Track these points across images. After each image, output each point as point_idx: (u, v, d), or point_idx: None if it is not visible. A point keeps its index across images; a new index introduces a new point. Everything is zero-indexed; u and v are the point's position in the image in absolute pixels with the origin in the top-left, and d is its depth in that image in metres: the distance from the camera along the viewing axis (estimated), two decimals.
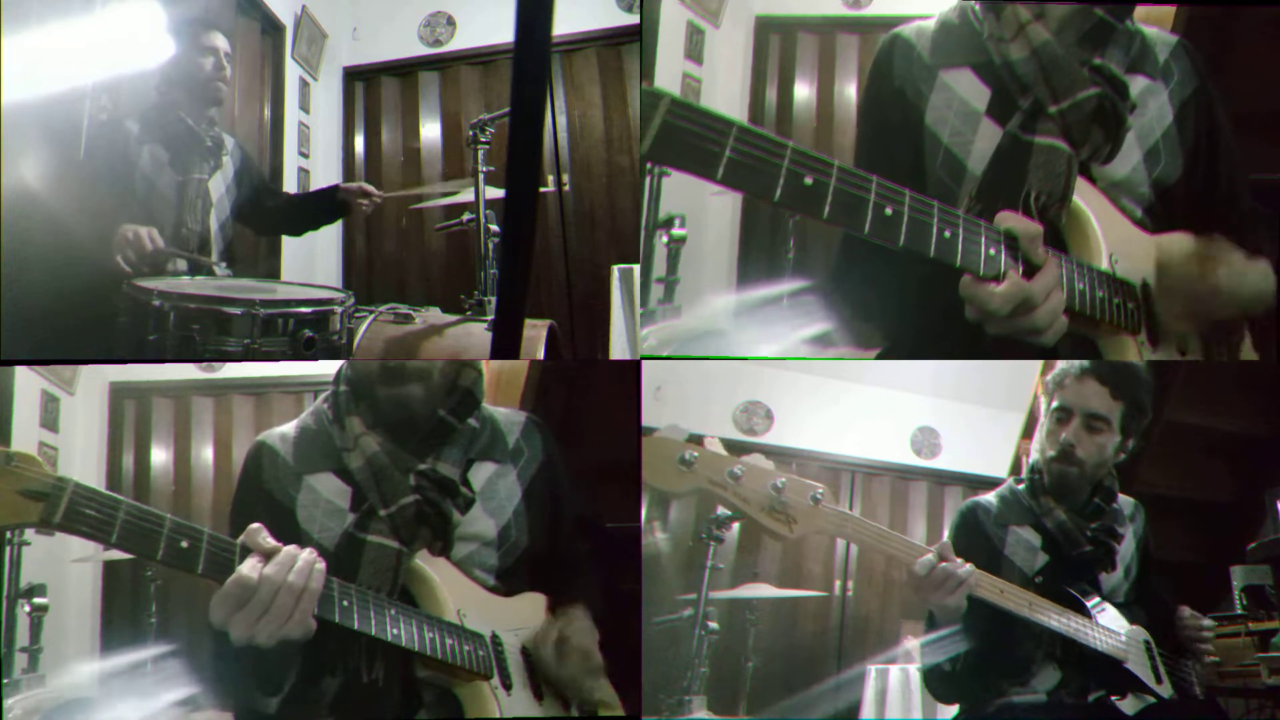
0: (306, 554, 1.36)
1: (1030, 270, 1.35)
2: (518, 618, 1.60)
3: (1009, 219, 1.37)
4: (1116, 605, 1.78)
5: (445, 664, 1.47)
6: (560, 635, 1.57)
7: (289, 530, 1.51)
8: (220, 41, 2.28)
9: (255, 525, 1.37)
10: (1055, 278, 1.38)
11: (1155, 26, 1.69)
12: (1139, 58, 1.61)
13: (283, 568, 1.33)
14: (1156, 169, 1.60)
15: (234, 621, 1.30)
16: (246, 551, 1.34)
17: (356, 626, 1.40)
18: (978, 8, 1.58)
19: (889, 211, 1.25)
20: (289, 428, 1.62)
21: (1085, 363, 1.76)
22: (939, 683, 1.77)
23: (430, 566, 1.53)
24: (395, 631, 1.43)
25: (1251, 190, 1.73)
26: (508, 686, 1.52)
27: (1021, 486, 1.85)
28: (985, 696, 1.74)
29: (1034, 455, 1.86)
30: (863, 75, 3.07)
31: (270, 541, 1.36)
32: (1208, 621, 1.88)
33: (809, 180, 1.20)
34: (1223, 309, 1.56)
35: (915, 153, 1.60)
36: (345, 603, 1.40)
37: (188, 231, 2.21)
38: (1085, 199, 1.52)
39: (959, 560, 1.58)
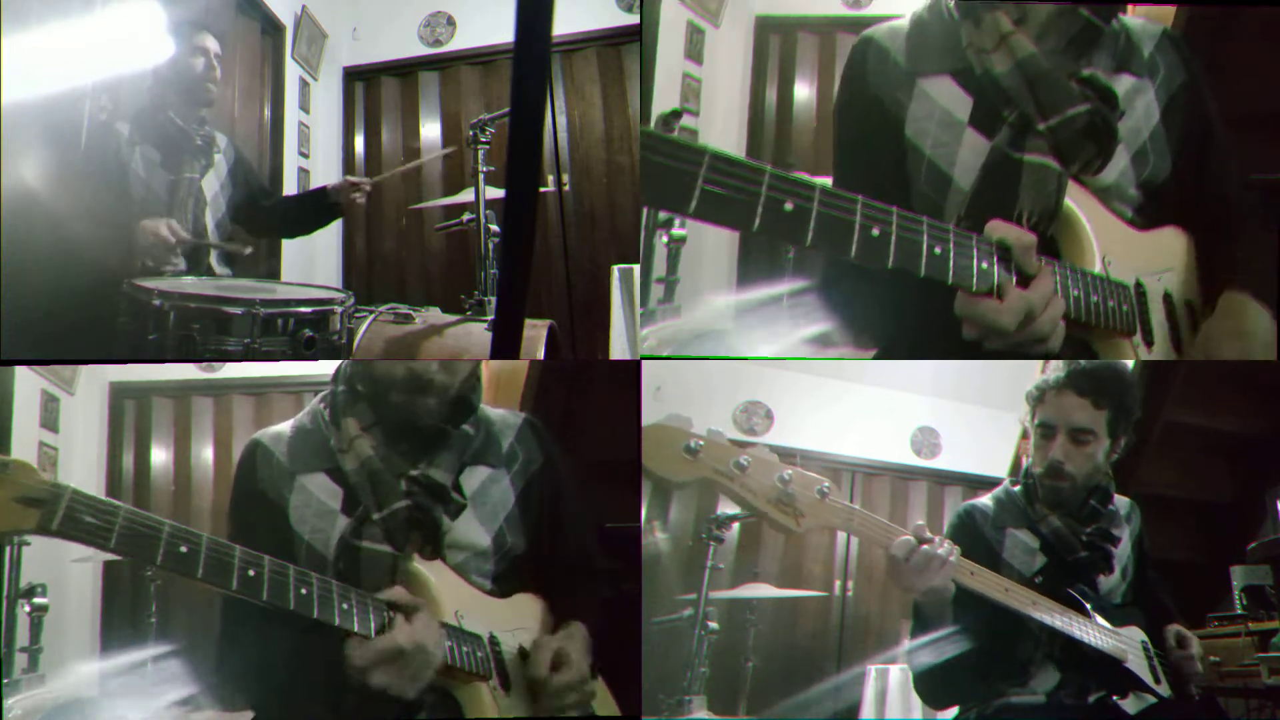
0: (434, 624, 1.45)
1: (1024, 280, 1.33)
2: (515, 619, 1.60)
3: (1001, 229, 1.34)
4: (1114, 606, 1.78)
5: (444, 666, 1.47)
6: (560, 650, 1.57)
7: (281, 530, 1.52)
8: (210, 43, 2.28)
9: (397, 588, 1.46)
10: (1052, 285, 1.36)
11: (1141, 17, 1.64)
12: (1125, 56, 1.56)
13: (429, 632, 1.43)
14: (1145, 171, 1.56)
15: (375, 674, 1.39)
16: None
17: (356, 629, 1.40)
18: (952, 6, 1.53)
19: (876, 233, 1.21)
20: (285, 427, 1.62)
21: (1063, 373, 1.73)
22: (932, 686, 1.73)
23: (428, 569, 1.52)
24: None
25: (1251, 190, 1.72)
26: (506, 687, 1.52)
27: (1017, 489, 1.83)
28: (984, 697, 1.74)
29: (1027, 462, 1.85)
30: None
31: (409, 598, 1.44)
32: (1195, 650, 1.84)
33: (789, 206, 1.15)
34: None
35: (897, 165, 1.55)
36: (345, 606, 1.40)
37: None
38: (1076, 201, 1.49)
39: (938, 539, 1.53)
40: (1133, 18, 1.62)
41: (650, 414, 2.02)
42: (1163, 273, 1.57)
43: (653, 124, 2.53)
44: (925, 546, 1.52)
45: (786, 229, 1.15)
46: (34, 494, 1.22)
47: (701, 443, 1.38)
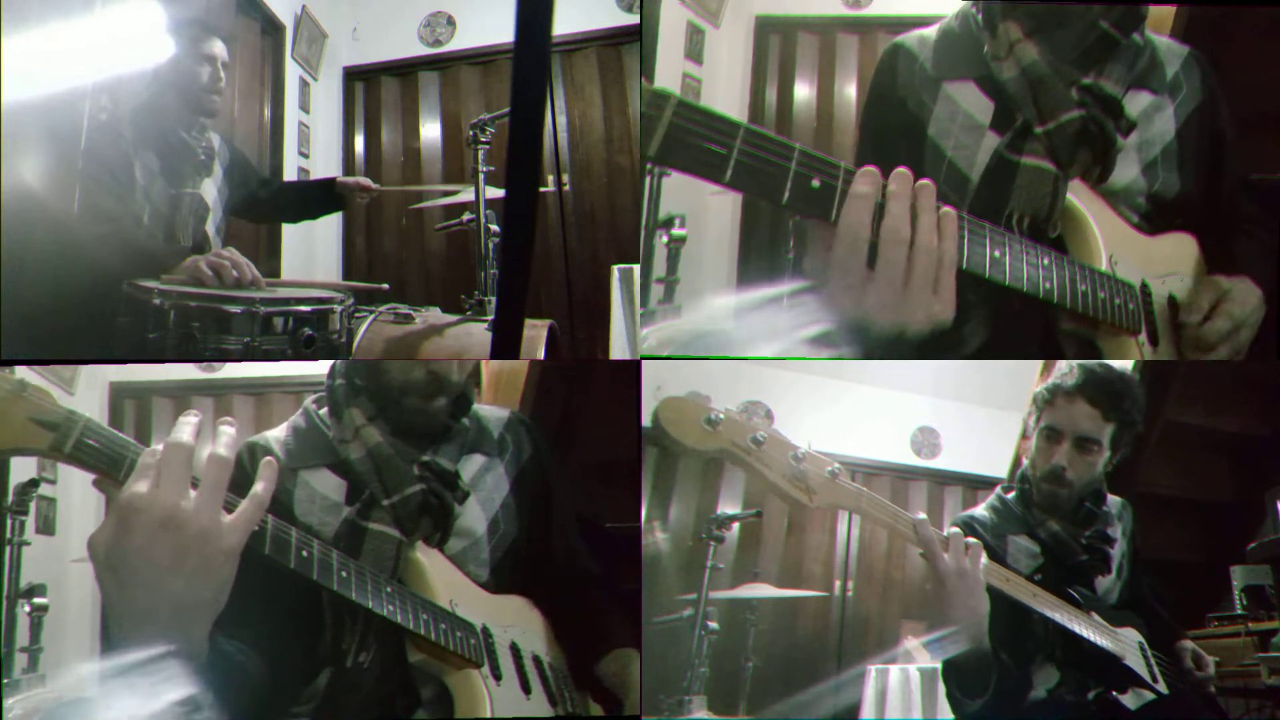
0: None
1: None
2: (509, 615, 1.61)
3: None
4: (1109, 608, 1.78)
5: (438, 646, 1.47)
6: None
7: None
8: (219, 49, 2.24)
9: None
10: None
11: (1166, 36, 1.68)
12: (1146, 72, 1.59)
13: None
14: (1155, 183, 1.59)
15: None
16: None
17: (354, 597, 1.40)
18: (979, 17, 1.57)
19: None
20: (279, 430, 1.63)
21: (1076, 380, 1.74)
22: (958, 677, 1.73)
23: (424, 557, 1.53)
24: (390, 608, 1.43)
25: (1252, 190, 1.73)
26: (498, 677, 1.53)
27: (1011, 495, 1.84)
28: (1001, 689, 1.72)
29: (1025, 464, 1.85)
30: (863, 75, 3.07)
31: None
32: (1211, 669, 1.85)
33: (816, 183, 1.21)
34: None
35: (917, 165, 1.58)
36: (344, 574, 1.40)
37: (180, 246, 2.19)
38: (1083, 202, 1.51)
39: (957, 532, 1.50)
40: (1160, 36, 1.65)
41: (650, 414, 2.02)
42: (1168, 275, 1.59)
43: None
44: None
45: (812, 204, 1.22)
46: (50, 417, 1.21)
47: (721, 416, 1.41)
